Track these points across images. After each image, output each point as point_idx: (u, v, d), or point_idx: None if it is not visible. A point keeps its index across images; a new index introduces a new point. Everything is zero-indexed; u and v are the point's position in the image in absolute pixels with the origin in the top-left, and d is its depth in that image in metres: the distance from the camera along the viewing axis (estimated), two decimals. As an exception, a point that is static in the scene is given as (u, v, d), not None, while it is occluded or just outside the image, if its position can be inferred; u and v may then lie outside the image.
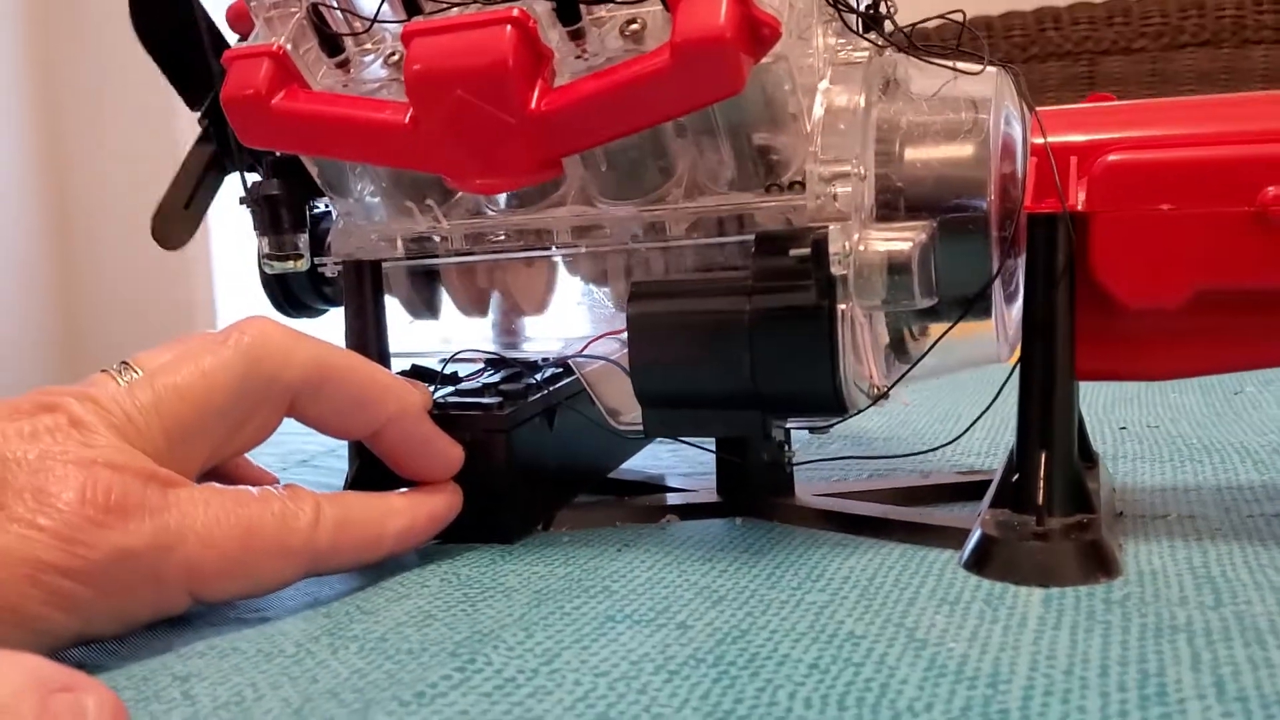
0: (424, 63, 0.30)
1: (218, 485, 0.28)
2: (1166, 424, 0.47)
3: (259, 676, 0.24)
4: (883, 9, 0.33)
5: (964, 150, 0.32)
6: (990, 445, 0.44)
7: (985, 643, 0.24)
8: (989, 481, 0.35)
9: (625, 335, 0.32)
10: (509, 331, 0.40)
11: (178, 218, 0.40)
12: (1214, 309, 0.30)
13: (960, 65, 0.33)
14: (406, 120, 0.31)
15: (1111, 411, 0.49)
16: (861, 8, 0.33)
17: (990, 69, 0.33)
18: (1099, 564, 0.28)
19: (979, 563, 0.29)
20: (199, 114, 0.39)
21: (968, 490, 0.37)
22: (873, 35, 0.33)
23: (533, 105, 0.29)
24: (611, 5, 0.30)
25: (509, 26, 0.29)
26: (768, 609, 0.27)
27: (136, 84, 1.40)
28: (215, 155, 0.40)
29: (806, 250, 0.30)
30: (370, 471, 0.33)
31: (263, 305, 0.40)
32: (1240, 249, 0.28)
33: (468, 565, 0.31)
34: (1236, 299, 0.29)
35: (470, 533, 0.34)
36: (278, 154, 0.37)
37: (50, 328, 1.95)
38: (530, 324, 0.40)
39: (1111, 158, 0.30)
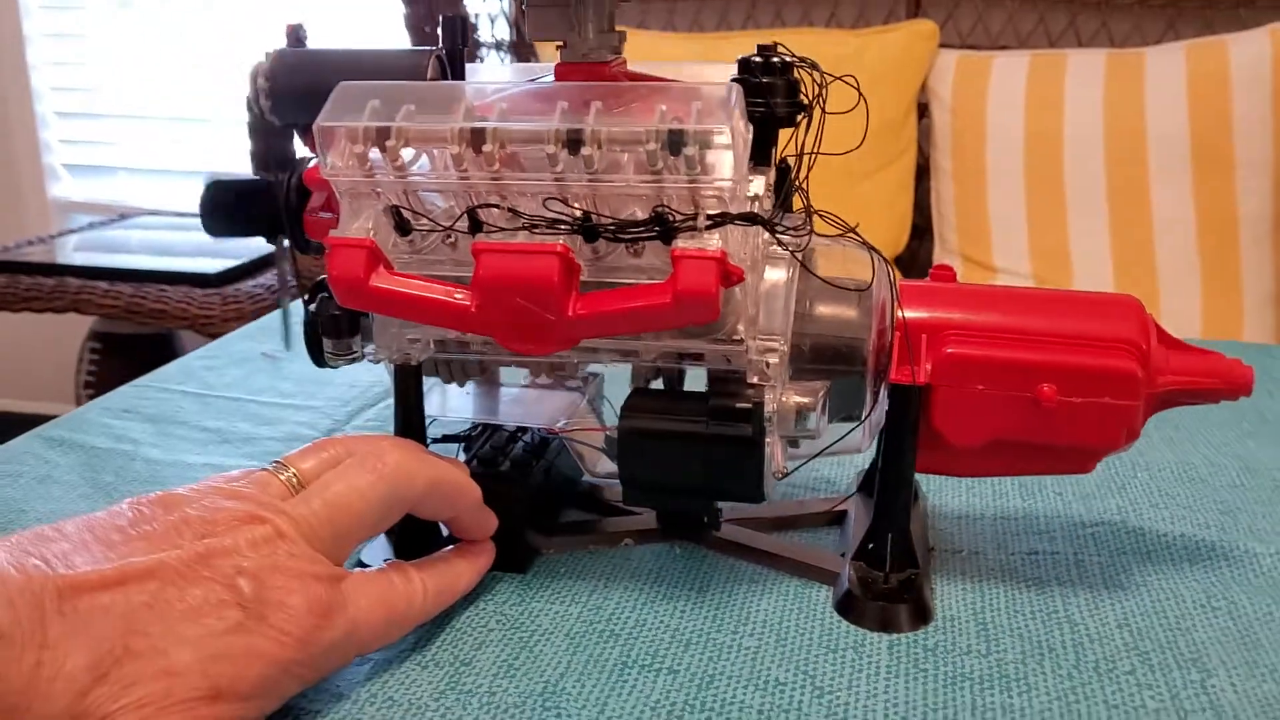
0: (492, 274, 0.42)
1: (360, 573, 0.41)
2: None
3: (417, 721, 0.38)
4: (797, 216, 0.46)
5: (853, 313, 0.47)
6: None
7: (856, 689, 0.40)
8: (844, 512, 0.52)
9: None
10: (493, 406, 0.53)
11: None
12: (1002, 447, 0.46)
13: (850, 251, 0.47)
14: (472, 306, 0.43)
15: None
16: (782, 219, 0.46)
17: (872, 256, 0.47)
18: (921, 615, 0.45)
19: (844, 610, 0.46)
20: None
21: (833, 517, 0.53)
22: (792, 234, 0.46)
23: (569, 313, 0.42)
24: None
25: (556, 257, 0.41)
26: (721, 654, 0.43)
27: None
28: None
29: (749, 405, 0.44)
30: (414, 528, 0.47)
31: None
32: (1023, 419, 0.45)
33: (507, 604, 0.46)
34: (1016, 442, 0.46)
35: (498, 565, 0.48)
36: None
37: None
38: (513, 399, 0.53)
39: (949, 349, 0.45)
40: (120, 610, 0.34)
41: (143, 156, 2.25)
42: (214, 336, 1.56)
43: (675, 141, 0.40)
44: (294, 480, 0.41)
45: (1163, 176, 1.50)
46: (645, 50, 1.55)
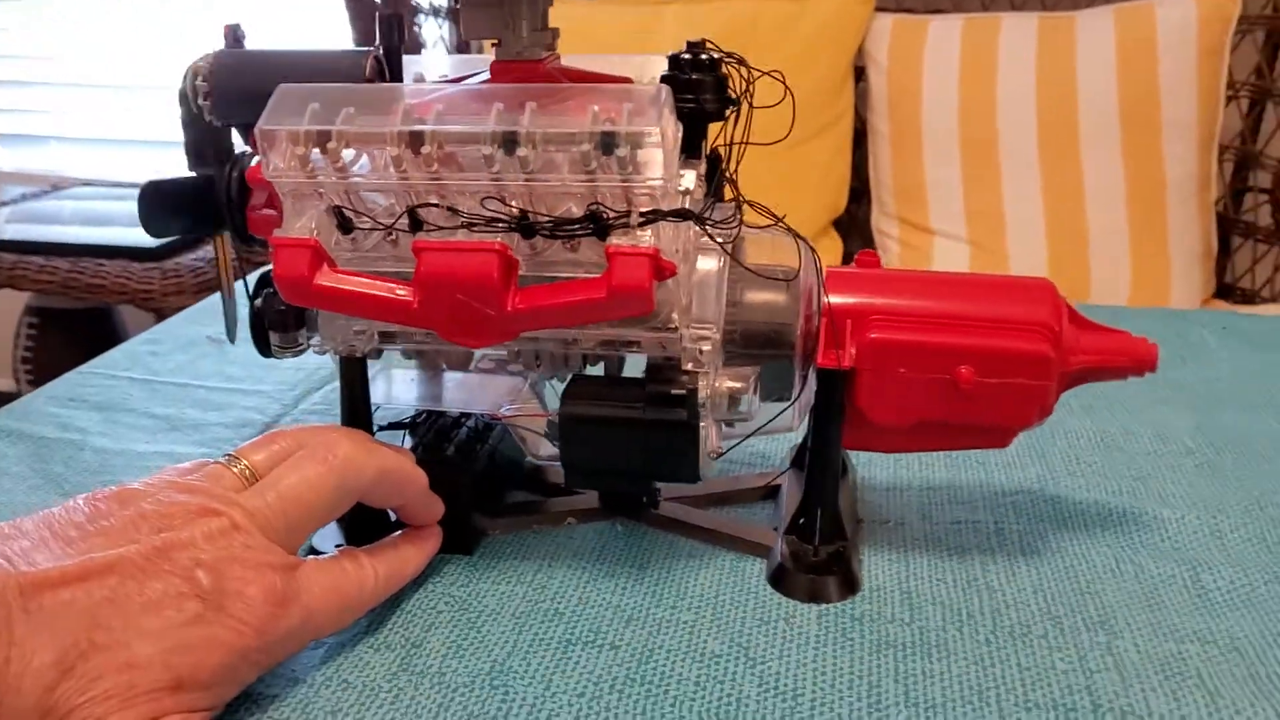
0: (433, 272, 0.43)
1: (313, 561, 0.42)
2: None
3: (342, 707, 0.40)
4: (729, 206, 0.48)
5: (781, 299, 0.49)
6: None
7: (786, 659, 0.43)
8: (778, 486, 0.54)
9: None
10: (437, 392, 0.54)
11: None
12: (924, 425, 0.48)
13: (778, 239, 0.49)
14: (414, 302, 0.44)
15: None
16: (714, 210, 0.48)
17: (799, 244, 0.49)
18: (848, 586, 0.48)
19: (776, 582, 0.48)
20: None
21: (767, 491, 0.56)
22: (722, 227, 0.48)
23: (508, 307, 0.44)
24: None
25: (495, 254, 0.43)
26: (660, 629, 0.45)
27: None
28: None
29: (684, 391, 0.46)
30: (363, 514, 0.48)
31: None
32: (942, 400, 0.47)
33: (454, 586, 0.48)
34: (937, 421, 0.48)
35: (445, 548, 0.50)
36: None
37: None
38: (457, 385, 0.55)
39: (873, 334, 0.47)
40: (82, 606, 0.35)
41: (74, 125, 2.21)
42: (154, 311, 1.55)
43: (608, 143, 0.42)
44: (246, 472, 0.42)
45: (1093, 139, 1.53)
46: (581, 19, 1.55)
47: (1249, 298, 1.59)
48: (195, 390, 0.68)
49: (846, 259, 1.65)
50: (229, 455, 0.43)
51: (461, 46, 1.66)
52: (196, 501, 0.40)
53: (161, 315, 1.56)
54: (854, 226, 1.72)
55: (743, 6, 1.59)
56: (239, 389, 0.68)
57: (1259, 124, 1.60)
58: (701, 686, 0.41)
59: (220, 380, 0.70)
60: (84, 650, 0.34)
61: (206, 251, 1.62)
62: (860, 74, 1.67)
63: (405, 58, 0.51)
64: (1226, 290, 1.62)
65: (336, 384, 0.65)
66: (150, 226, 0.50)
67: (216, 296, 0.84)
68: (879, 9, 1.65)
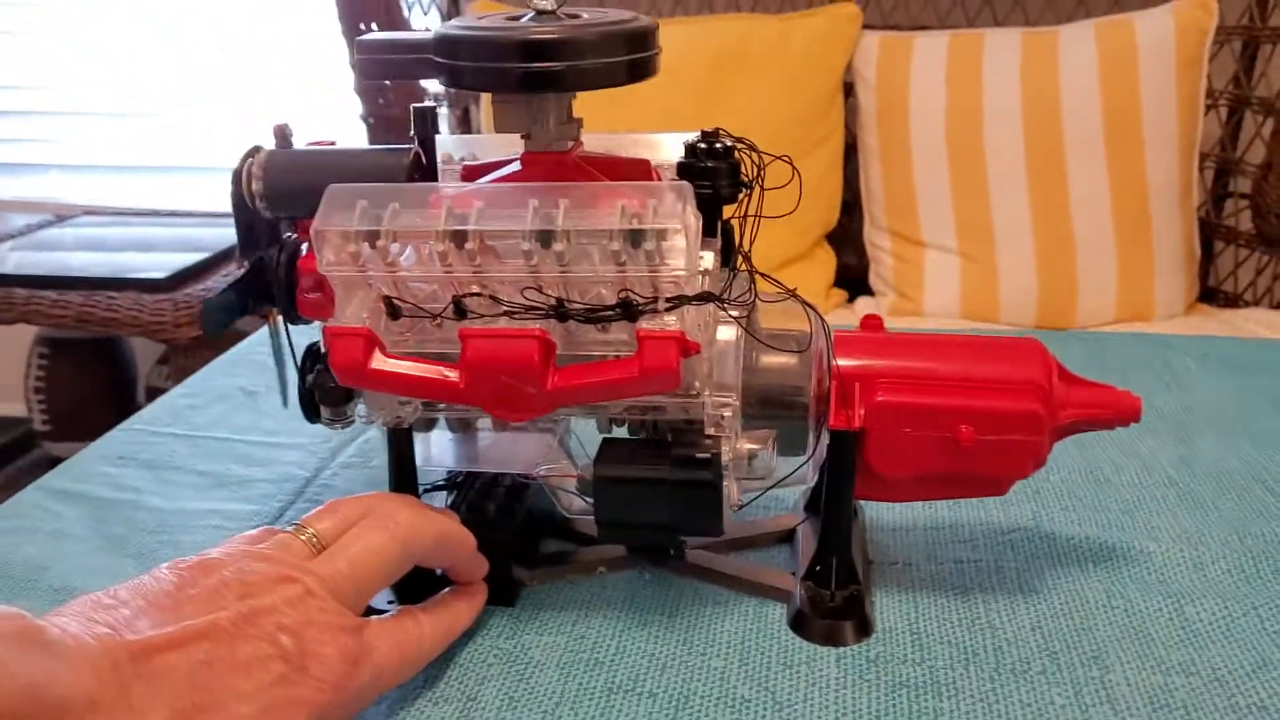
0: (479, 356, 0.47)
1: (377, 621, 0.46)
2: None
3: (435, 754, 0.44)
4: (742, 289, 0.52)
5: (794, 363, 0.53)
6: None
7: (810, 702, 0.47)
8: (793, 530, 0.59)
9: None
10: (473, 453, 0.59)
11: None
12: (928, 477, 0.53)
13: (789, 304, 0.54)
14: (461, 384, 0.48)
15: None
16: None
17: (808, 312, 0.53)
18: (863, 629, 0.52)
19: (796, 627, 0.52)
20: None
21: (783, 535, 0.60)
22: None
23: (548, 386, 0.48)
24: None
25: (536, 340, 0.47)
26: (693, 676, 0.49)
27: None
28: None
29: (708, 455, 0.51)
30: (412, 573, 0.52)
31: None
32: (944, 455, 0.51)
33: (501, 638, 0.52)
34: (940, 474, 0.52)
35: (489, 600, 0.54)
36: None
37: None
38: (491, 444, 0.59)
39: (880, 397, 0.51)
40: (184, 669, 0.39)
41: (74, 153, 2.24)
42: (166, 341, 1.59)
43: (636, 238, 0.46)
44: (314, 540, 0.46)
45: (1078, 150, 1.57)
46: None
47: (1232, 301, 1.64)
48: (236, 445, 0.72)
49: (839, 272, 1.70)
50: (296, 525, 0.47)
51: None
52: (273, 570, 0.44)
53: (173, 346, 1.60)
54: (846, 240, 1.76)
55: (734, 25, 1.63)
56: (277, 443, 0.72)
57: (1238, 131, 1.65)
58: (734, 731, 0.46)
59: (258, 434, 0.74)
60: (189, 711, 0.38)
61: (214, 283, 1.66)
62: (850, 90, 1.71)
63: (437, 139, 0.55)
64: (1210, 294, 1.67)
65: (368, 437, 0.69)
66: (210, 332, 0.54)
67: (243, 345, 0.88)
68: (866, 26, 1.69)
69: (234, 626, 0.41)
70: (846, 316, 1.57)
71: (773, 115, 1.58)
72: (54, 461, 1.85)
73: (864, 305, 1.65)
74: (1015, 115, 1.58)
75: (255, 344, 0.90)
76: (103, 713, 0.37)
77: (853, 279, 1.71)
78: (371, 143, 1.70)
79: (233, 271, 1.63)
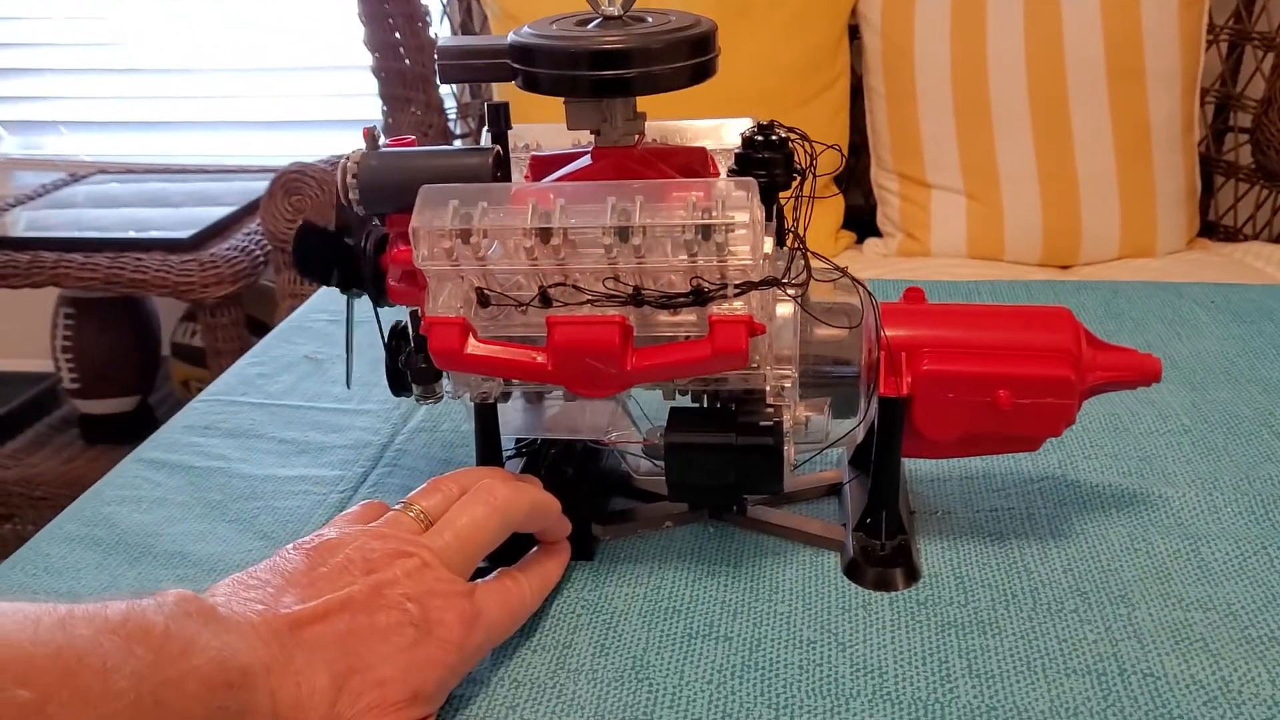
0: (565, 341, 0.52)
1: (484, 584, 0.52)
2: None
3: (517, 704, 0.50)
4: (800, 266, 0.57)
5: (846, 337, 0.58)
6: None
7: (869, 642, 0.53)
8: (840, 484, 0.64)
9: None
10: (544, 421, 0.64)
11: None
12: (969, 437, 0.58)
13: (839, 284, 0.58)
14: (549, 365, 0.53)
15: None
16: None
17: (858, 287, 0.58)
18: (911, 575, 0.57)
19: (851, 574, 0.58)
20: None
21: (830, 489, 0.65)
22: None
23: (628, 367, 0.53)
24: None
25: (617, 326, 0.52)
26: (762, 621, 0.55)
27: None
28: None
29: (770, 423, 0.56)
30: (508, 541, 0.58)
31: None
32: (984, 418, 0.56)
33: (586, 590, 0.57)
34: (980, 434, 0.58)
35: (572, 556, 0.59)
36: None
37: None
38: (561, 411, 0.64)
39: (925, 366, 0.56)
40: (332, 637, 0.45)
41: (83, 110, 2.25)
42: (195, 301, 1.63)
43: (706, 231, 0.50)
44: (421, 517, 0.52)
45: (1080, 88, 1.60)
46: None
47: (1232, 235, 1.68)
48: (309, 412, 0.77)
49: (846, 213, 1.73)
50: (403, 503, 0.53)
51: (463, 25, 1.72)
52: (391, 546, 0.49)
53: (201, 305, 1.64)
54: (853, 181, 1.80)
55: (742, -28, 1.65)
56: (349, 409, 0.77)
57: (1238, 66, 1.68)
58: (805, 670, 0.51)
59: (329, 401, 0.79)
60: (345, 673, 0.44)
61: (237, 240, 1.69)
62: (855, 33, 1.74)
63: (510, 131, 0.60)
64: (1210, 228, 1.71)
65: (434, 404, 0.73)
66: (304, 266, 0.58)
67: (297, 315, 0.92)
68: (872, -29, 1.70)
69: (366, 599, 0.46)
70: (855, 258, 1.61)
71: (779, 59, 1.61)
72: (83, 418, 1.90)
73: (872, 246, 1.70)
74: (1019, 55, 1.61)
75: (310, 312, 0.95)
76: (275, 675, 0.42)
77: (860, 219, 1.75)
78: (383, 95, 1.73)
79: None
